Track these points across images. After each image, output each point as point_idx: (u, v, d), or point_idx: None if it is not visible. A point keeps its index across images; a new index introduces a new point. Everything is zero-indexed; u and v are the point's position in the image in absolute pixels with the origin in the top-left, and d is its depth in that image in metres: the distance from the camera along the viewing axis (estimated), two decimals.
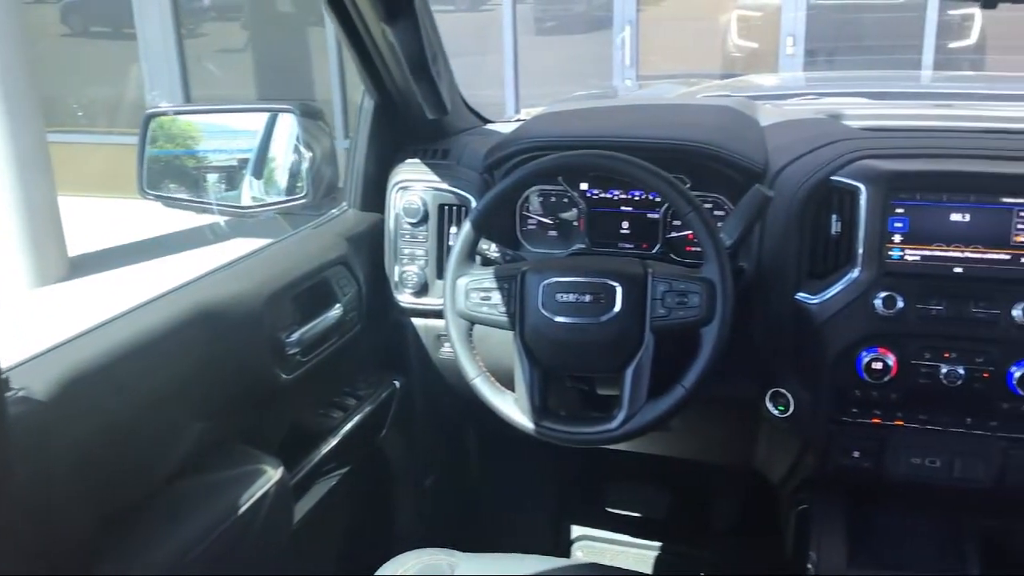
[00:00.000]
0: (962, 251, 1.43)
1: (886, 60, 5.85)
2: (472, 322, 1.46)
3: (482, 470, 2.11)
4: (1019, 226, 1.40)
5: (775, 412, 1.57)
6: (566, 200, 1.67)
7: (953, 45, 6.22)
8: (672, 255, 1.62)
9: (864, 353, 1.46)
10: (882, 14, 6.04)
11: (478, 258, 1.57)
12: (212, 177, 1.93)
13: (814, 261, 1.50)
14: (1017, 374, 1.40)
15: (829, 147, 1.50)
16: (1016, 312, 1.39)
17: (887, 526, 1.58)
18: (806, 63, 5.74)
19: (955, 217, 1.43)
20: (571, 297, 1.39)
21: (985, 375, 1.42)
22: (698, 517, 2.12)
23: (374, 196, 1.78)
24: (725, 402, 1.64)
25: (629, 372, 1.37)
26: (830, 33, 6.08)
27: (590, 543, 2.17)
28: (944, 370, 1.43)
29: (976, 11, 6.32)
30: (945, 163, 1.45)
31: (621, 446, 1.89)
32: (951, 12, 6.19)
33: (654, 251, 1.63)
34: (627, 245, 1.65)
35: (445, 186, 1.70)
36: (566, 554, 2.16)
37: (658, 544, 2.11)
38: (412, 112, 1.68)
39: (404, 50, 1.52)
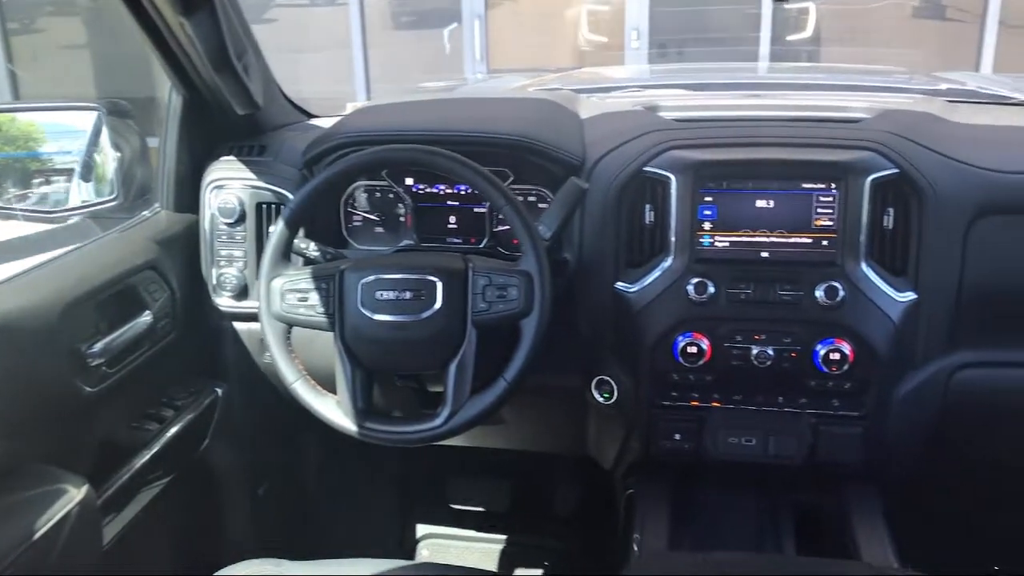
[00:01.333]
0: (768, 236, 1.48)
1: (727, 52, 6.06)
2: (290, 324, 1.42)
3: (321, 474, 2.06)
4: (819, 210, 1.46)
5: (600, 399, 1.59)
6: (392, 196, 1.65)
7: (791, 38, 6.51)
8: (500, 248, 1.63)
9: (680, 338, 1.49)
10: (722, 7, 6.25)
11: (300, 259, 1.53)
12: (37, 180, 1.83)
13: (631, 251, 1.53)
14: (822, 352, 1.46)
15: (641, 139, 1.53)
16: (819, 293, 1.45)
17: (709, 505, 1.62)
18: (651, 56, 5.88)
19: (760, 204, 1.48)
20: (391, 295, 1.36)
21: (793, 354, 1.47)
22: (540, 506, 2.14)
23: (188, 196, 1.70)
24: (554, 392, 1.66)
25: (452, 368, 1.36)
26: (673, 26, 6.25)
27: (436, 541, 2.16)
28: (755, 351, 1.48)
29: (811, 5, 6.64)
30: (750, 152, 1.49)
31: (460, 441, 1.88)
32: (788, 6, 6.48)
33: (482, 245, 1.63)
34: (455, 240, 1.64)
35: (262, 184, 1.65)
36: (411, 554, 2.15)
37: (503, 537, 2.12)
38: (223, 108, 1.62)
39: (204, 44, 1.46)
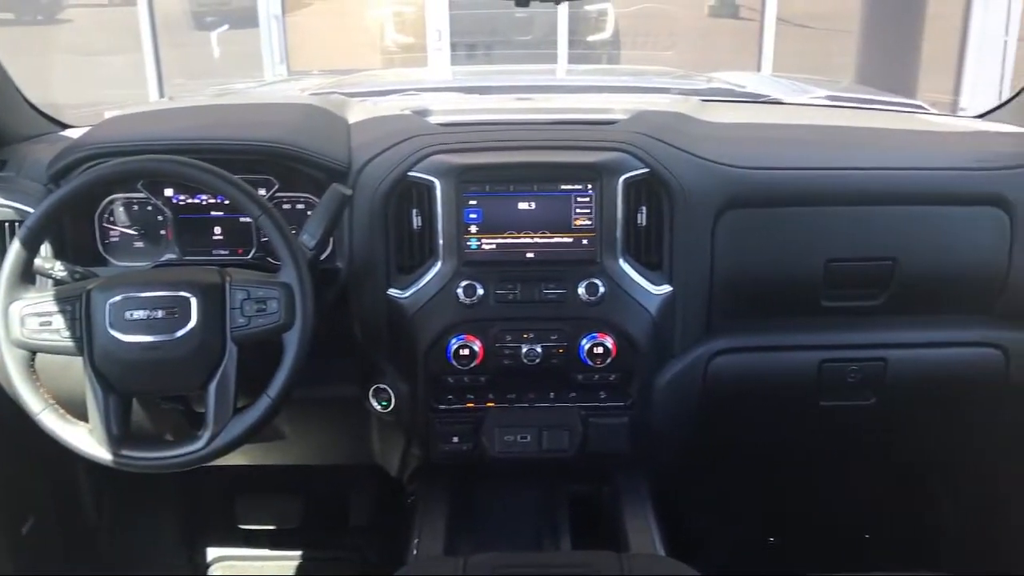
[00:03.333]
0: (532, 237, 1.51)
1: (529, 54, 6.19)
2: (32, 351, 1.33)
3: (99, 501, 1.95)
4: (577, 210, 1.51)
5: (378, 407, 1.59)
6: (151, 208, 1.57)
7: (592, 39, 6.73)
8: (270, 259, 1.58)
9: (453, 341, 1.50)
10: (521, 9, 6.37)
11: (49, 280, 1.43)
12: None
13: (401, 256, 1.53)
14: (586, 347, 1.51)
15: (405, 143, 1.53)
16: (581, 290, 1.50)
17: (490, 505, 1.65)
18: (458, 57, 5.93)
19: (523, 206, 1.51)
20: (142, 314, 1.30)
21: (560, 351, 1.51)
22: (334, 519, 2.11)
23: None
24: (333, 403, 1.64)
25: (212, 387, 1.31)
26: (474, 28, 6.33)
27: (228, 563, 2.09)
28: (524, 350, 1.51)
29: (608, 6, 6.89)
30: (510, 155, 1.52)
31: (245, 459, 1.83)
32: (587, 8, 6.69)
33: (249, 257, 1.58)
34: (221, 252, 1.58)
35: (1, 201, 1.53)
36: None
37: (297, 553, 2.07)
38: None
39: None
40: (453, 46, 6.21)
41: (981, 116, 1.85)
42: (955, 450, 1.89)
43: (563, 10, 5.84)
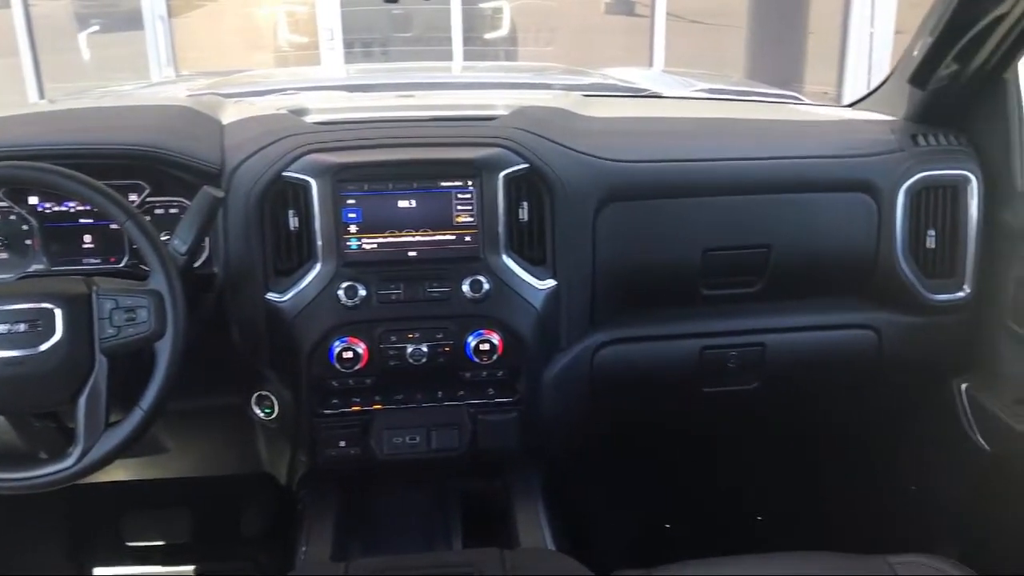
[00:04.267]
0: (413, 235, 1.50)
1: (425, 52, 6.16)
2: None
3: None
4: (458, 207, 1.50)
5: (262, 415, 1.55)
6: (14, 217, 1.50)
7: (489, 36, 6.74)
8: (143, 266, 1.52)
9: (336, 344, 1.48)
10: (413, 7, 6.34)
11: None
12: None
13: (279, 259, 1.49)
14: (472, 344, 1.50)
15: (279, 143, 1.49)
16: (465, 288, 1.49)
17: (380, 508, 1.63)
18: (352, 56, 5.86)
19: (403, 204, 1.49)
20: (2, 328, 1.24)
21: (446, 349, 1.50)
22: (227, 531, 2.06)
23: None
24: (215, 412, 1.60)
25: (82, 401, 1.26)
26: (368, 26, 6.26)
27: None
28: (410, 350, 1.49)
29: (504, 4, 6.91)
30: (388, 153, 1.50)
31: (128, 475, 1.76)
32: (482, 5, 6.70)
33: (122, 265, 1.52)
34: (93, 260, 1.52)
35: None
36: None
37: (190, 568, 2.01)
38: None
39: None
40: (350, 44, 6.13)
41: (851, 105, 1.91)
42: (836, 428, 1.95)
43: (456, 7, 5.83)
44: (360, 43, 6.41)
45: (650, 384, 1.68)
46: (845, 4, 5.71)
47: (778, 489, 2.08)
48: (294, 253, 1.49)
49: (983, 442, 1.61)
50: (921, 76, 1.57)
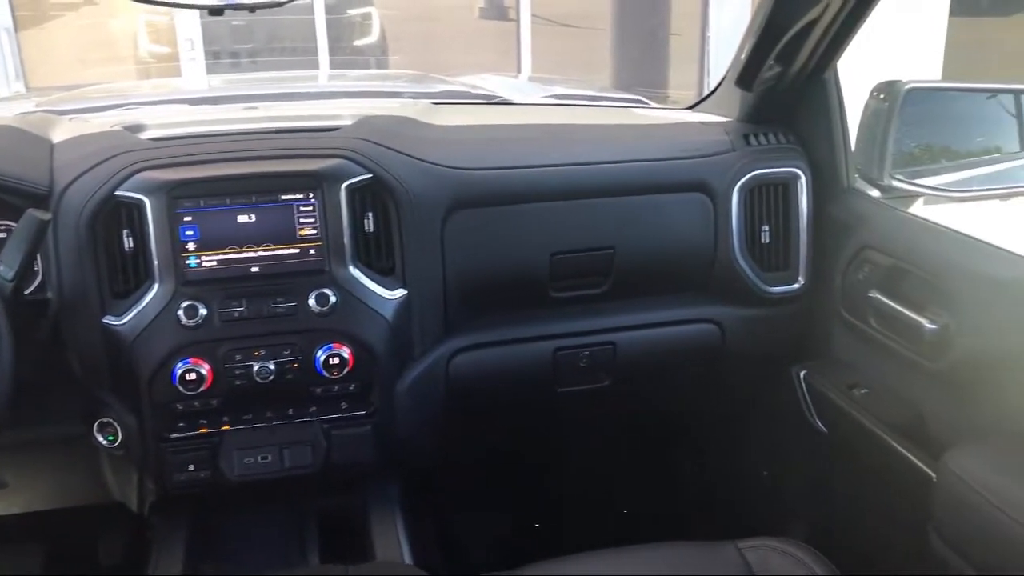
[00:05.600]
0: (255, 251, 1.47)
1: (293, 62, 6.06)
2: None
3: None
4: (301, 220, 1.48)
5: (105, 443, 1.50)
6: None
7: (358, 43, 6.68)
8: None
9: (178, 366, 1.44)
10: (276, 17, 6.23)
11: None
12: None
13: (114, 281, 1.44)
14: (322, 358, 1.48)
15: (110, 161, 1.44)
16: (311, 302, 1.47)
17: (234, 530, 1.60)
18: (218, 66, 5.71)
19: (242, 219, 1.46)
20: None
21: (294, 365, 1.48)
22: (83, 562, 1.97)
23: None
24: (59, 443, 1.54)
25: None
26: (231, 36, 6.13)
27: None
28: (256, 368, 1.46)
29: (373, 11, 6.86)
30: (223, 167, 1.47)
31: None
32: (351, 11, 6.63)
33: None
34: None
35: None
36: None
37: None
38: None
39: None
40: (216, 55, 5.99)
41: (691, 108, 1.97)
42: (688, 420, 2.02)
43: (320, 15, 5.76)
44: (227, 53, 6.26)
45: (506, 387, 1.70)
46: (703, 6, 5.91)
47: (639, 483, 2.14)
48: (130, 274, 1.45)
49: (821, 425, 1.69)
50: (746, 78, 1.64)
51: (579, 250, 1.62)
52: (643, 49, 6.13)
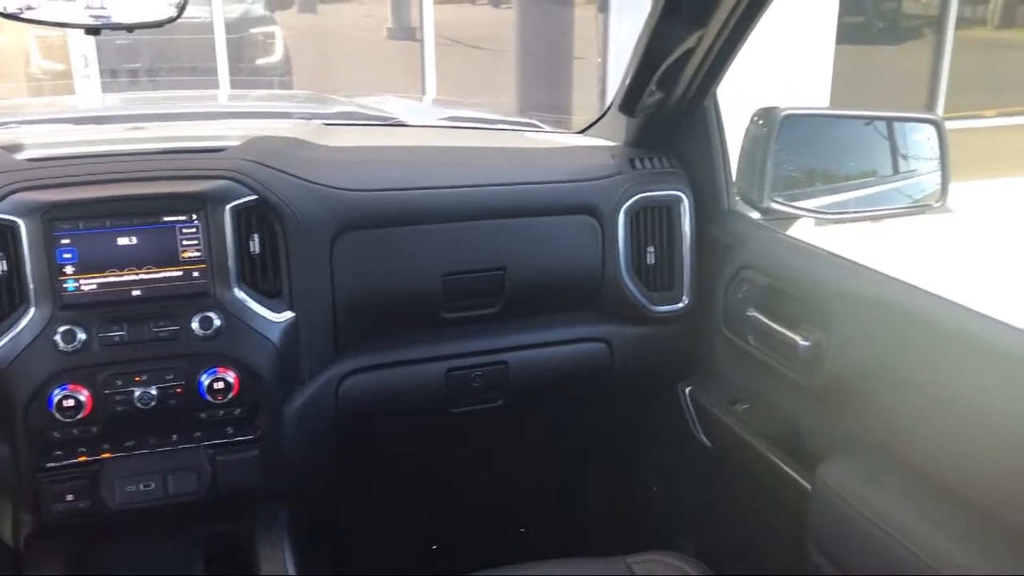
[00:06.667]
0: (136, 274, 1.44)
1: (195, 81, 5.95)
2: None
3: None
4: (184, 242, 1.46)
5: None
6: None
7: (261, 62, 6.60)
8: None
9: (55, 392, 1.39)
10: (172, 36, 6.11)
11: None
12: None
13: None
14: (206, 382, 1.46)
15: None
16: (195, 325, 1.45)
17: (117, 561, 1.55)
18: (111, 84, 5.57)
19: (123, 241, 1.43)
20: None
21: (178, 390, 1.45)
22: None
23: None
24: None
25: None
26: (130, 53, 5.98)
27: None
28: (138, 393, 1.43)
29: (276, 29, 6.79)
30: (106, 188, 1.44)
31: None
32: (253, 31, 6.55)
33: None
34: None
35: None
36: None
37: None
38: None
39: None
40: (114, 72, 5.84)
41: (582, 132, 2.02)
42: (581, 438, 2.05)
43: (221, 34, 5.68)
44: (126, 72, 6.11)
45: (398, 409, 1.70)
46: (603, 31, 6.04)
47: (535, 501, 2.16)
48: (4, 299, 1.40)
49: (706, 440, 1.74)
50: (629, 104, 1.69)
51: (470, 271, 1.64)
52: (547, 73, 6.22)
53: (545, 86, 6.15)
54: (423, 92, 5.96)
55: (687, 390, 1.78)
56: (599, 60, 5.77)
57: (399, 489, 2.01)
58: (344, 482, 1.80)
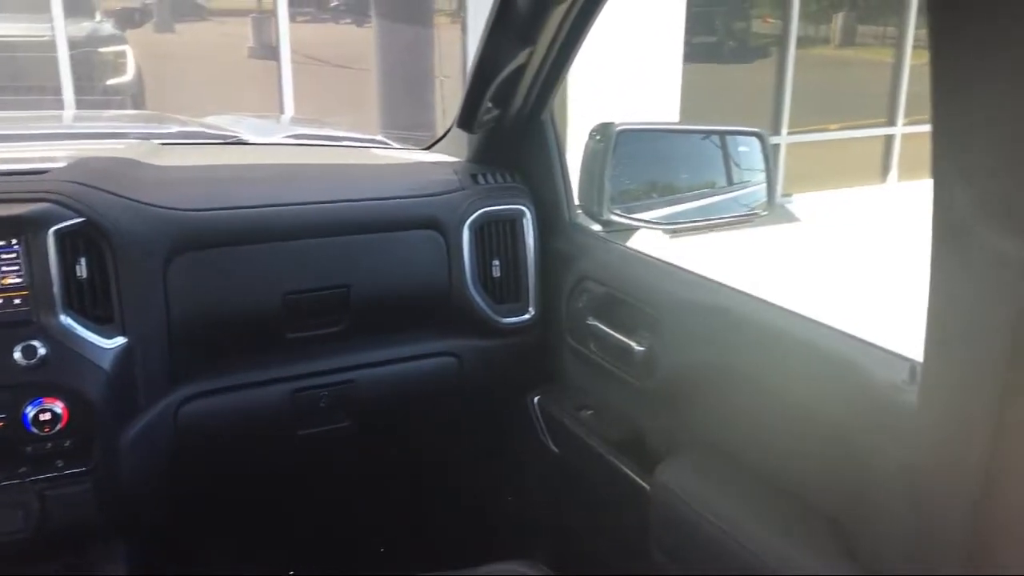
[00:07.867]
0: None
1: (32, 101, 5.67)
2: None
3: None
4: (3, 268, 1.39)
5: None
6: None
7: (111, 82, 6.34)
8: None
9: None
10: (15, 54, 5.82)
11: None
12: None
13: None
14: (31, 414, 1.39)
15: None
16: (16, 354, 1.38)
17: None
18: None
19: None
20: None
21: (1, 424, 1.38)
22: None
23: None
24: None
25: None
26: None
27: None
28: None
29: (127, 48, 6.55)
30: None
31: None
32: (103, 50, 6.30)
33: None
34: None
35: None
36: None
37: None
38: None
39: None
40: None
41: (427, 148, 2.04)
42: (435, 452, 2.05)
43: (64, 52, 5.44)
44: None
45: (242, 434, 1.66)
46: (463, 50, 6.10)
47: (391, 519, 2.14)
48: None
49: (554, 448, 1.77)
50: (467, 120, 1.71)
51: (313, 289, 1.62)
52: (408, 91, 6.23)
53: (407, 105, 6.16)
54: (281, 110, 5.86)
55: (536, 399, 1.81)
56: (441, 78, 5.83)
57: (251, 516, 1.96)
58: (191, 512, 1.74)
